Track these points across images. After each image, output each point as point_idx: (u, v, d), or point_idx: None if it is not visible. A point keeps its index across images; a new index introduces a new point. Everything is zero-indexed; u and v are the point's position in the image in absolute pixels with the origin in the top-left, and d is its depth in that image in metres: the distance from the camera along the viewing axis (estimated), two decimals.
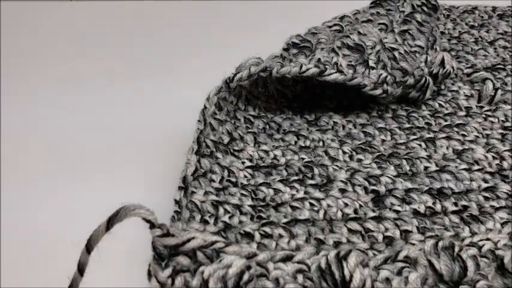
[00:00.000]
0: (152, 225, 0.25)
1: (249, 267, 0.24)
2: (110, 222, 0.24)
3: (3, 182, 0.42)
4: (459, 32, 0.58)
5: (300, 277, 0.25)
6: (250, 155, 0.39)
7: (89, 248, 0.24)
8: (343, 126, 0.43)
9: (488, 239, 0.29)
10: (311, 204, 0.35)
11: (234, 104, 0.42)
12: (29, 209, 0.40)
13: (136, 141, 0.47)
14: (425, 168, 0.38)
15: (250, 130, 0.41)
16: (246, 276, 0.24)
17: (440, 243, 0.27)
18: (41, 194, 0.41)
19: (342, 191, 0.36)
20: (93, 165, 0.44)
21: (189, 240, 0.25)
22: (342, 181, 0.37)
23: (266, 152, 0.39)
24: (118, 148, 0.46)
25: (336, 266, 0.25)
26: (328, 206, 0.35)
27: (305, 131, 0.42)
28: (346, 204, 0.35)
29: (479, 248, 0.28)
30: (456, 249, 0.27)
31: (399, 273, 0.26)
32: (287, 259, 0.26)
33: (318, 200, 0.35)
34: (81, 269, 0.24)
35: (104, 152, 0.46)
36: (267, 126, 0.42)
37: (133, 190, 0.38)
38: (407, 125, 0.43)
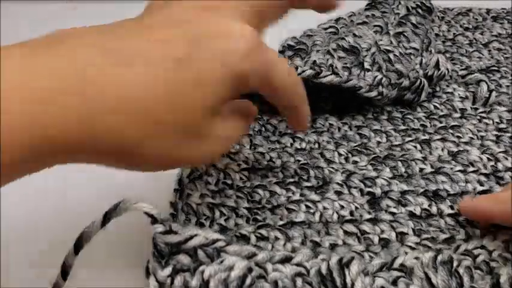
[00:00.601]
0: (154, 220, 0.24)
1: (250, 270, 0.24)
2: (107, 217, 0.24)
3: None
4: (454, 34, 0.58)
5: (299, 281, 0.25)
6: (246, 157, 0.39)
7: (78, 245, 0.23)
8: (339, 128, 0.43)
9: (483, 247, 0.29)
10: (307, 206, 0.35)
11: None
12: (27, 207, 0.40)
13: None
14: (421, 170, 0.38)
15: None
16: (248, 280, 0.24)
17: (439, 257, 0.27)
18: (41, 193, 0.41)
19: (338, 193, 0.36)
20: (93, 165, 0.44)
21: (191, 238, 0.24)
22: (337, 183, 0.37)
23: (262, 154, 0.39)
24: None
25: (337, 273, 0.25)
26: (324, 208, 0.35)
27: (301, 133, 0.42)
28: (342, 207, 0.35)
29: (474, 257, 0.28)
30: (454, 264, 0.27)
31: (394, 282, 0.26)
32: (286, 260, 0.26)
33: (314, 202, 0.35)
34: (64, 272, 0.24)
35: None
36: (263, 129, 0.42)
37: (132, 190, 0.37)
38: (402, 127, 0.43)
